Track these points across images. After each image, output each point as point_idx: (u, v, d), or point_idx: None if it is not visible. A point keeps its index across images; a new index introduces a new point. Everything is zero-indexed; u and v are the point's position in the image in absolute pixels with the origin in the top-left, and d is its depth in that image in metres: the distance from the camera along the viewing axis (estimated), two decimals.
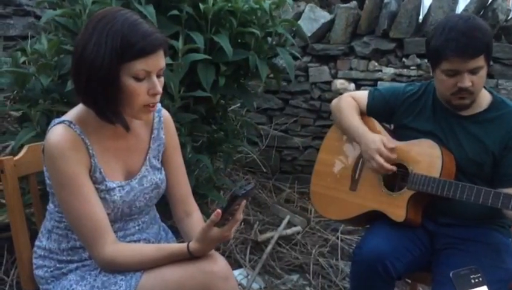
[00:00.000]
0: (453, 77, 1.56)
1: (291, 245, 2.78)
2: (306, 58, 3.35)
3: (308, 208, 3.24)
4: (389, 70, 3.14)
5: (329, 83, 3.33)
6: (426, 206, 1.71)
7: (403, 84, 1.85)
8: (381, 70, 3.16)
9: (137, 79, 1.23)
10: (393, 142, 1.71)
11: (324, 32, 3.32)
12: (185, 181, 1.48)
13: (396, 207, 1.67)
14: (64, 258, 1.36)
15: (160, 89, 1.26)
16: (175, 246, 1.28)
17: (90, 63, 1.21)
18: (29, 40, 2.79)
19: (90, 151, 1.28)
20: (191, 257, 1.24)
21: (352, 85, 3.26)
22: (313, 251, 2.72)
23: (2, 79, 1.88)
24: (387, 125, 1.89)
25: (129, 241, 1.38)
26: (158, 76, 1.27)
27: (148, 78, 1.24)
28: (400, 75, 3.11)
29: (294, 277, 2.58)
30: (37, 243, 1.41)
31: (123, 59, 1.20)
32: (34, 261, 1.40)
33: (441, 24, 1.58)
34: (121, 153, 1.35)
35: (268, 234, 2.78)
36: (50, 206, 1.39)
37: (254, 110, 2.86)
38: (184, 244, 1.25)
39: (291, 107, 3.47)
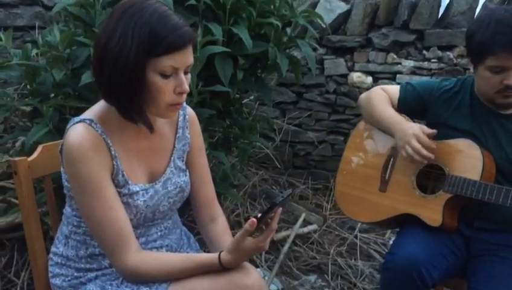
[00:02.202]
0: (499, 74, 1.46)
1: (308, 244, 2.69)
2: (321, 50, 3.24)
3: (323, 205, 3.16)
4: (409, 63, 3.03)
5: (345, 76, 3.22)
6: (462, 210, 1.61)
7: (437, 79, 1.75)
8: (400, 63, 3.05)
9: (164, 76, 1.13)
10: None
11: (340, 23, 3.21)
12: (210, 183, 1.39)
13: (432, 211, 1.58)
14: (82, 266, 1.27)
15: (187, 87, 1.16)
16: (204, 257, 1.18)
17: (114, 57, 1.11)
18: (37, 31, 2.70)
19: (113, 152, 1.18)
20: (221, 268, 1.15)
21: (370, 78, 3.16)
22: (331, 251, 2.63)
23: (11, 72, 1.77)
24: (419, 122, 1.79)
25: (151, 248, 1.29)
26: (185, 73, 1.17)
27: (175, 75, 1.15)
28: (420, 68, 3.00)
29: (312, 277, 2.49)
30: (53, 249, 1.32)
31: (150, 54, 1.10)
32: (50, 269, 1.31)
33: (485, 17, 1.47)
34: (144, 154, 1.26)
35: (284, 233, 2.69)
36: (67, 209, 1.29)
37: (271, 104, 2.75)
38: (214, 255, 1.16)
39: (306, 100, 3.36)
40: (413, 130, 1.57)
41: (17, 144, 2.16)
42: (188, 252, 1.38)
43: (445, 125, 1.65)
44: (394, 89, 1.76)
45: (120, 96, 1.15)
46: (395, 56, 3.07)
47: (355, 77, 3.19)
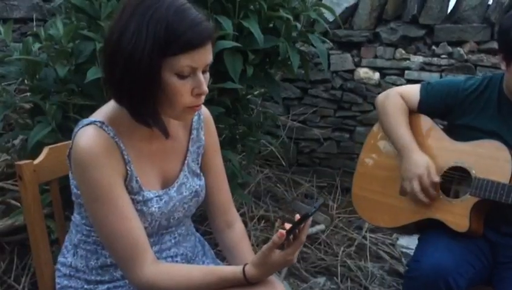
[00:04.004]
0: None
1: (315, 245, 2.62)
2: (327, 45, 3.15)
3: (328, 204, 3.08)
4: (418, 59, 2.95)
5: (351, 71, 3.14)
6: (487, 214, 1.55)
7: (461, 78, 1.67)
8: (408, 59, 2.98)
9: (181, 76, 1.03)
10: (441, 171, 1.56)
11: (347, 17, 3.12)
12: (226, 188, 1.30)
13: (458, 216, 1.50)
14: (93, 278, 1.18)
15: (206, 88, 1.07)
16: (227, 270, 1.10)
17: (127, 56, 1.01)
18: (35, 23, 2.59)
19: (125, 156, 1.09)
20: (246, 283, 1.07)
21: (377, 74, 3.08)
22: (339, 252, 2.56)
23: (11, 67, 1.67)
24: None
25: (165, 257, 1.20)
26: (203, 72, 1.07)
27: (193, 75, 1.05)
28: (429, 64, 2.92)
29: (321, 279, 2.42)
30: (60, 259, 1.23)
31: (167, 52, 1.00)
32: (58, 280, 1.22)
33: None
34: (156, 157, 1.17)
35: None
36: (76, 217, 1.20)
37: (281, 101, 2.66)
38: (238, 268, 1.08)
39: (311, 96, 3.28)
40: (419, 171, 1.55)
41: (16, 142, 2.06)
42: (203, 262, 1.30)
43: (469, 127, 1.57)
44: (413, 91, 1.68)
45: (133, 97, 1.05)
46: (403, 51, 2.99)
47: (362, 72, 3.11)
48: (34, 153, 1.64)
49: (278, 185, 3.19)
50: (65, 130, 1.71)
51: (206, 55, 1.05)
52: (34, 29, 2.65)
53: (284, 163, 3.16)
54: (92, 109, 1.78)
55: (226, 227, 1.30)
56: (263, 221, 2.77)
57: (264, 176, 3.16)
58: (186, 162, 1.22)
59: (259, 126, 2.43)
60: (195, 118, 1.25)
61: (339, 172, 3.26)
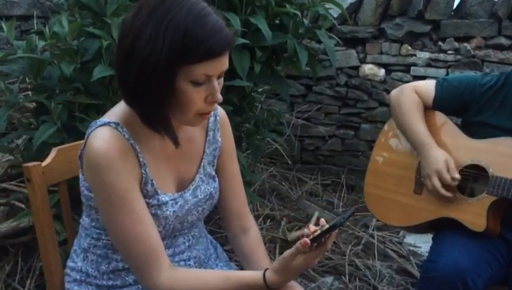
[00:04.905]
0: None
1: None
2: (333, 41, 3.10)
3: (334, 202, 3.05)
4: (424, 55, 2.91)
5: (356, 68, 3.10)
6: (504, 213, 1.51)
7: (477, 74, 1.63)
8: (415, 55, 2.94)
9: (196, 84, 0.99)
10: (457, 168, 1.53)
11: (351, 13, 3.08)
12: (241, 192, 1.27)
13: (475, 215, 1.47)
14: (104, 283, 1.14)
15: (220, 96, 1.02)
16: (247, 275, 1.06)
17: (142, 60, 0.96)
18: (35, 20, 2.54)
19: (141, 159, 1.05)
20: (266, 289, 1.03)
21: (382, 70, 3.04)
22: (347, 251, 2.53)
23: (14, 66, 1.63)
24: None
25: (178, 261, 1.17)
26: (218, 77, 1.03)
27: (207, 82, 1.00)
28: (436, 60, 2.89)
29: (329, 279, 2.39)
30: (70, 263, 1.20)
31: (184, 60, 0.96)
32: (67, 285, 1.19)
33: None
34: (172, 159, 1.13)
35: (298, 232, 2.58)
36: (85, 220, 1.16)
37: (288, 99, 2.62)
38: (258, 274, 1.04)
39: (315, 93, 3.24)
40: (437, 166, 1.52)
41: (19, 142, 2.01)
42: (217, 265, 1.27)
43: (486, 124, 1.54)
44: (428, 87, 1.64)
45: (145, 103, 1.01)
46: (409, 47, 2.96)
47: (367, 69, 3.07)
48: (39, 154, 1.61)
49: (283, 183, 3.15)
50: (70, 130, 1.68)
51: (223, 64, 1.01)
52: (35, 26, 2.60)
53: (288, 161, 3.13)
54: (98, 108, 1.76)
55: (242, 233, 1.27)
56: (269, 220, 2.74)
57: (268, 174, 3.12)
58: (202, 164, 1.19)
59: (265, 124, 2.40)
60: (212, 119, 1.21)
61: (344, 170, 3.23)
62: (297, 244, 0.99)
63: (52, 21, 1.60)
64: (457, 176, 1.51)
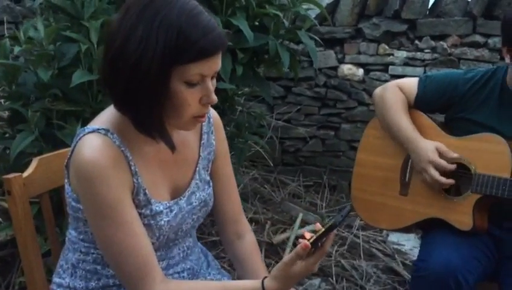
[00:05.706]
0: None
1: None
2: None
3: (317, 203, 3.05)
4: (401, 54, 2.94)
5: (335, 68, 3.11)
6: (489, 209, 1.52)
7: (461, 70, 1.64)
8: (392, 54, 2.96)
9: (190, 84, 0.96)
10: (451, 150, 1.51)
11: (328, 13, 3.07)
12: (236, 196, 1.23)
13: (461, 214, 1.48)
14: None
15: (215, 97, 0.99)
16: (246, 285, 1.03)
17: (134, 63, 0.92)
18: (6, 26, 2.45)
19: (133, 167, 1.01)
20: None
21: (361, 70, 3.05)
22: (333, 252, 2.52)
23: None
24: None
25: (172, 274, 1.13)
26: (212, 78, 1.00)
27: (202, 82, 0.98)
28: (413, 58, 2.91)
29: (316, 281, 2.38)
30: (56, 279, 1.14)
31: (178, 61, 0.93)
32: None
33: None
34: (166, 165, 1.09)
35: (283, 235, 2.56)
36: (72, 233, 1.11)
37: (271, 101, 2.60)
38: (257, 282, 1.01)
39: (294, 95, 3.23)
40: (429, 156, 1.51)
41: None
42: (209, 274, 1.23)
43: (467, 120, 1.55)
44: (411, 84, 1.64)
45: (138, 107, 0.97)
46: (386, 47, 2.98)
47: (346, 69, 3.08)
48: (16, 164, 1.54)
49: (265, 185, 3.13)
50: (49, 139, 1.61)
51: (217, 63, 0.98)
52: (5, 32, 2.51)
53: (270, 163, 3.10)
54: (77, 115, 1.70)
55: (236, 238, 1.23)
56: (253, 223, 2.70)
57: (250, 177, 3.09)
58: (197, 169, 1.15)
59: (247, 127, 2.37)
60: (205, 121, 1.18)
61: (325, 170, 3.22)
62: (297, 248, 0.96)
63: (26, 26, 1.53)
64: (455, 155, 1.50)
